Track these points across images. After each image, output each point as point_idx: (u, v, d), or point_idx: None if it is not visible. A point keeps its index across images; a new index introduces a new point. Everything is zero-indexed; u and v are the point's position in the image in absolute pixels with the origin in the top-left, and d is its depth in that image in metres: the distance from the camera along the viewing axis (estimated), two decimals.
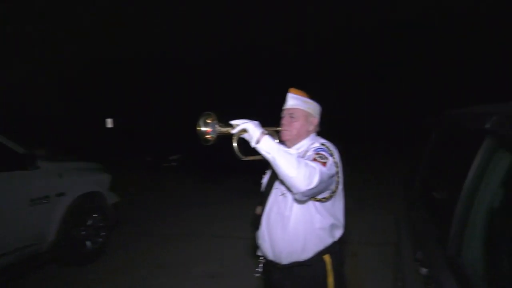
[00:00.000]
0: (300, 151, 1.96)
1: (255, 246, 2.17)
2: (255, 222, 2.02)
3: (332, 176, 1.74)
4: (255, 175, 2.44)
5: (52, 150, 5.65)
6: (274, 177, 2.01)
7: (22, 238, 3.91)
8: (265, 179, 2.11)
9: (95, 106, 21.33)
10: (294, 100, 2.00)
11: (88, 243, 4.75)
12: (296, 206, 1.87)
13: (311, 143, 1.97)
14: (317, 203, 1.85)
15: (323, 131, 2.10)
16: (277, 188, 1.98)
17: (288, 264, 1.92)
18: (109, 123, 20.98)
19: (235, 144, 1.72)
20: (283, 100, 2.04)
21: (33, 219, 4.00)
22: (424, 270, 1.74)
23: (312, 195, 1.70)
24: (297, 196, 1.66)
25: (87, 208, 4.75)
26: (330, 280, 1.92)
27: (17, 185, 3.88)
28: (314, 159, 1.71)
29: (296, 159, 1.59)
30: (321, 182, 1.61)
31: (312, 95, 2.05)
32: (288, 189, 1.78)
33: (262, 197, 2.03)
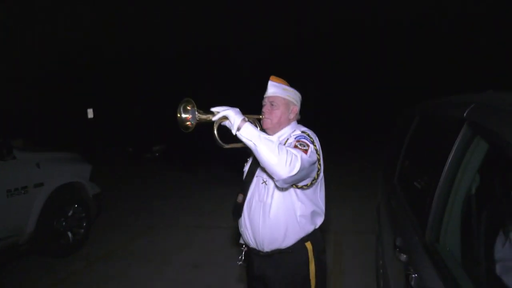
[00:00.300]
0: (281, 139, 1.95)
1: (237, 235, 2.17)
2: (237, 210, 2.01)
3: (313, 164, 1.74)
4: (236, 164, 2.43)
5: (29, 140, 5.52)
6: (256, 165, 2.00)
7: None
8: (246, 167, 2.10)
9: (75, 96, 20.89)
10: (275, 88, 1.98)
11: (69, 234, 4.67)
12: (277, 194, 1.86)
13: (292, 131, 1.96)
14: (298, 191, 1.86)
15: (306, 121, 2.10)
16: (259, 176, 1.97)
17: (270, 252, 1.93)
18: (90, 113, 20.57)
19: (215, 132, 1.70)
20: (263, 88, 2.03)
21: (10, 210, 3.91)
22: (403, 257, 1.76)
23: (293, 182, 1.70)
24: (278, 183, 1.65)
25: (68, 199, 4.67)
26: (312, 267, 1.94)
27: None
28: (295, 146, 1.71)
29: (278, 146, 1.58)
30: (302, 169, 1.60)
31: (293, 84, 2.04)
32: (270, 176, 1.77)
33: (243, 185, 2.02)
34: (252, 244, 1.98)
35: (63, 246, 4.58)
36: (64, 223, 4.61)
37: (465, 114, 1.57)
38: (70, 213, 4.70)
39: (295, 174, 1.58)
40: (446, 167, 1.60)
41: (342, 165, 9.86)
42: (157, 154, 12.64)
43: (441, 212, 1.61)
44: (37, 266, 4.39)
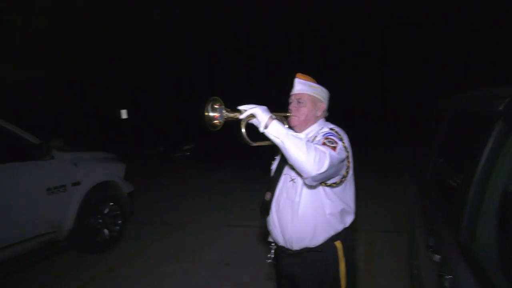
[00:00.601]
0: (309, 136, 1.93)
1: (266, 233, 2.17)
2: (265, 208, 2.01)
3: (342, 161, 1.72)
4: (263, 162, 2.43)
5: (67, 141, 5.74)
6: (283, 162, 1.99)
7: (40, 226, 4.00)
8: (274, 165, 2.10)
9: (110, 98, 21.55)
10: (301, 85, 1.97)
11: (105, 231, 4.83)
12: (306, 192, 1.85)
13: (320, 128, 1.94)
14: (327, 189, 1.83)
15: (332, 118, 2.07)
16: (286, 174, 1.96)
17: (299, 250, 1.92)
18: (124, 114, 21.17)
19: (243, 130, 1.71)
20: (290, 86, 2.02)
21: (50, 207, 4.08)
22: (437, 257, 1.71)
23: (322, 180, 1.68)
24: (307, 181, 1.64)
25: (103, 197, 4.82)
26: (342, 266, 1.91)
27: (34, 175, 3.96)
28: (324, 144, 1.69)
29: (306, 143, 1.57)
30: (331, 166, 1.58)
31: (319, 81, 2.01)
32: (298, 174, 1.76)
33: (271, 183, 2.02)
34: (281, 242, 1.97)
35: (99, 242, 4.74)
36: (100, 221, 4.77)
37: (500, 108, 1.50)
38: (105, 211, 4.86)
39: (324, 172, 1.56)
40: (481, 164, 1.54)
41: (372, 162, 9.67)
42: (187, 153, 12.83)
43: (476, 210, 1.55)
44: (75, 261, 4.57)
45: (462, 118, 2.24)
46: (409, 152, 4.81)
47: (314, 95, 1.97)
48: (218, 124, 1.65)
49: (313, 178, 1.58)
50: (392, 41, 24.57)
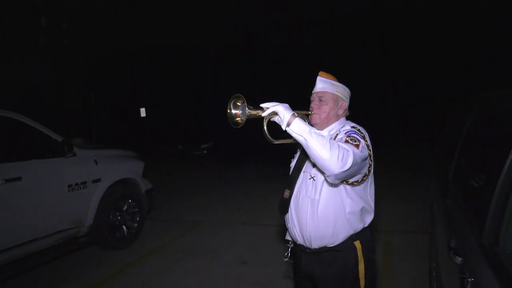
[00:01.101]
0: (330, 134, 1.93)
1: (284, 231, 2.17)
2: (283, 206, 2.02)
3: (364, 159, 1.71)
4: (283, 159, 2.43)
5: (88, 138, 5.85)
6: (303, 160, 1.99)
7: (62, 222, 4.10)
8: (293, 163, 2.10)
9: (129, 96, 21.85)
10: (323, 84, 1.96)
11: (124, 227, 4.91)
12: (326, 190, 1.84)
13: (341, 126, 1.94)
14: (348, 187, 1.83)
15: (352, 117, 2.06)
16: (306, 172, 1.96)
17: (317, 249, 1.91)
18: (143, 112, 21.43)
19: (265, 127, 1.71)
20: (312, 84, 2.02)
21: (71, 204, 4.17)
22: (458, 259, 1.68)
23: (345, 178, 1.67)
24: (330, 179, 1.64)
25: (122, 194, 4.90)
26: (361, 266, 1.90)
27: (56, 171, 4.05)
28: (346, 141, 1.68)
29: (329, 141, 1.56)
30: (354, 164, 1.57)
31: (341, 79, 2.01)
32: (320, 171, 1.76)
33: (289, 181, 2.02)
34: (300, 240, 1.97)
35: (118, 239, 4.82)
36: (119, 217, 4.85)
37: None
38: (124, 208, 4.93)
39: (347, 170, 1.55)
40: (506, 164, 1.51)
41: (393, 161, 9.56)
42: (205, 151, 12.90)
43: (500, 212, 1.52)
44: (95, 257, 4.66)
45: (487, 117, 2.20)
46: (429, 152, 4.74)
47: (336, 93, 1.96)
48: (240, 121, 1.66)
49: (336, 176, 1.57)
50: (410, 38, 24.26)
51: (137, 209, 5.10)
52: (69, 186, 4.13)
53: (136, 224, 5.08)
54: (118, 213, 4.84)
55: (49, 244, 3.99)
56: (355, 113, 2.09)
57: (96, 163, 4.54)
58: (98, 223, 4.48)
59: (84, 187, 4.31)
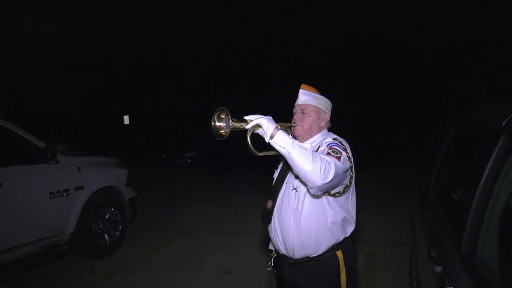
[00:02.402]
0: (312, 146, 1.95)
1: (267, 241, 2.18)
2: (266, 216, 2.03)
3: (346, 171, 1.74)
4: (266, 170, 2.45)
5: (70, 145, 5.78)
6: (285, 171, 2.02)
7: (42, 230, 4.02)
8: (276, 174, 2.12)
9: (113, 103, 21.62)
10: (306, 96, 2.00)
11: (106, 236, 4.84)
12: (308, 201, 1.87)
13: (323, 138, 1.97)
14: (330, 198, 1.86)
15: (335, 128, 2.10)
16: (288, 183, 1.98)
17: (300, 259, 1.93)
18: (126, 119, 21.22)
19: (248, 140, 1.73)
20: (294, 97, 2.05)
21: (53, 211, 4.10)
22: (438, 268, 1.72)
23: (326, 190, 1.70)
24: (312, 191, 1.66)
25: (105, 202, 4.84)
26: (343, 276, 1.92)
27: (38, 178, 3.98)
28: (328, 154, 1.71)
29: (312, 153, 1.59)
30: (336, 176, 1.60)
31: (323, 92, 2.05)
32: (302, 183, 1.79)
33: (272, 192, 2.04)
34: (283, 250, 1.99)
35: (100, 247, 4.74)
36: (101, 226, 4.78)
37: (504, 123, 1.53)
38: (107, 216, 4.87)
39: (329, 181, 1.58)
40: (483, 177, 1.56)
41: (374, 173, 9.67)
42: (189, 160, 12.85)
43: (478, 223, 1.57)
44: (76, 266, 4.57)
45: (466, 132, 2.27)
46: (413, 163, 4.82)
47: (318, 106, 2.00)
48: (224, 134, 1.68)
49: (319, 188, 1.60)
50: (394, 49, 24.76)
51: (119, 218, 5.04)
52: (51, 193, 4.06)
53: (118, 233, 5.01)
54: (100, 221, 4.77)
55: (29, 252, 3.90)
56: (342, 125, 2.13)
57: (79, 170, 4.48)
58: (79, 231, 4.40)
59: (67, 194, 4.25)
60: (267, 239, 2.16)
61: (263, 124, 1.66)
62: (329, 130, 2.09)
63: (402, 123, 23.02)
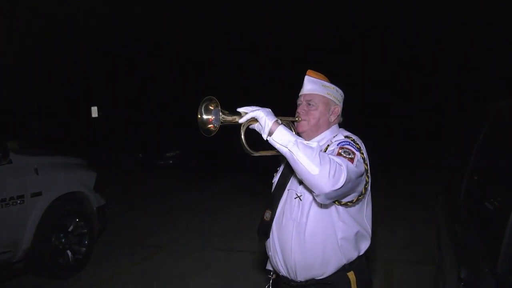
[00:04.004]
0: (320, 145, 1.93)
1: (264, 260, 2.17)
2: (263, 229, 2.02)
3: (360, 175, 1.72)
4: (264, 174, 2.44)
5: (26, 142, 5.74)
6: (287, 176, 2.00)
7: None
8: (275, 179, 2.11)
9: (78, 92, 21.52)
10: (312, 85, 1.98)
11: (68, 252, 4.80)
12: (314, 211, 1.86)
13: (333, 135, 1.96)
14: (341, 208, 1.84)
15: (346, 124, 2.08)
16: (291, 190, 1.97)
17: (304, 282, 1.92)
18: (94, 111, 21.12)
19: (243, 137, 1.71)
20: (298, 86, 2.03)
21: (4, 223, 4.06)
22: None
23: (337, 197, 1.68)
24: (319, 199, 1.64)
25: (68, 211, 4.81)
26: None
27: None
28: (339, 154, 1.69)
29: (319, 154, 1.57)
30: (348, 181, 1.58)
31: (333, 80, 2.03)
32: (307, 189, 1.77)
33: (271, 200, 2.03)
34: (283, 271, 1.98)
35: (62, 266, 4.71)
36: (63, 240, 4.74)
37: None
38: (70, 228, 4.84)
39: (340, 188, 1.56)
40: None
41: (393, 178, 9.70)
42: (170, 162, 12.84)
43: None
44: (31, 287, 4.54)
45: (503, 129, 2.26)
46: (438, 166, 4.83)
47: (327, 96, 1.99)
48: (213, 129, 1.66)
49: (327, 195, 1.58)
50: (412, 38, 25.02)
51: (86, 230, 5.01)
52: (2, 200, 4.02)
53: (84, 249, 4.99)
54: (62, 235, 4.73)
55: None
56: (350, 120, 2.11)
57: (37, 173, 4.44)
58: (37, 246, 4.37)
59: (21, 201, 4.21)
60: (264, 257, 2.15)
61: (260, 118, 1.65)
62: (340, 125, 2.08)
63: (413, 122, 23.31)
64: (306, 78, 2.00)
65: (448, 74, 24.46)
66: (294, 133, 1.70)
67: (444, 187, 3.65)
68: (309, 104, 1.97)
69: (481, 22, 22.09)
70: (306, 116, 1.97)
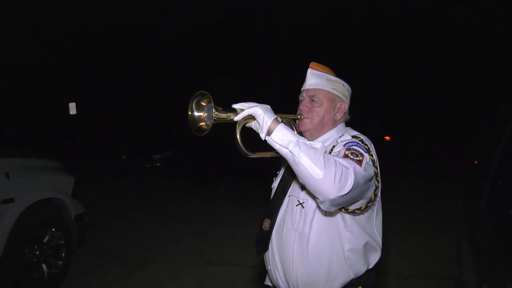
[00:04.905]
0: (325, 145, 1.93)
1: (262, 274, 2.17)
2: (262, 240, 2.02)
3: (369, 180, 1.72)
4: (262, 178, 2.44)
5: None
6: (288, 180, 2.00)
7: None
8: (275, 184, 2.11)
9: (55, 87, 21.47)
10: (316, 78, 1.98)
11: (43, 266, 4.79)
12: (318, 220, 1.86)
13: (339, 135, 1.96)
14: (348, 216, 1.84)
15: (353, 122, 2.09)
16: (292, 196, 1.97)
17: None
18: (72, 108, 21.08)
19: (238, 136, 1.71)
20: (300, 80, 2.04)
21: None
22: None
23: (343, 204, 1.69)
24: (324, 206, 1.64)
25: (43, 220, 4.80)
26: None
27: None
28: (346, 156, 1.70)
29: (324, 155, 1.57)
30: (356, 186, 1.58)
31: (340, 73, 2.03)
32: (310, 195, 1.78)
33: (271, 208, 2.03)
34: (283, 286, 1.98)
35: (36, 281, 4.69)
36: (37, 252, 4.73)
37: None
38: (45, 239, 4.83)
39: (347, 194, 1.56)
40: None
41: (407, 182, 9.71)
42: (157, 164, 12.84)
43: None
44: None
45: None
46: (456, 168, 4.84)
47: (333, 91, 1.99)
48: (205, 127, 1.66)
49: (332, 201, 1.58)
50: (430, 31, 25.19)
51: (63, 241, 5.00)
52: None
53: (61, 262, 4.98)
54: (36, 246, 4.72)
55: None
56: (357, 118, 2.11)
57: (8, 177, 4.43)
58: (8, 259, 4.35)
59: None
60: (262, 271, 2.15)
61: (258, 115, 1.65)
62: (347, 124, 2.08)
63: (437, 117, 23.39)
64: (309, 71, 2.00)
65: (473, 68, 24.58)
66: (295, 132, 1.70)
67: (464, 192, 3.66)
68: (313, 100, 1.97)
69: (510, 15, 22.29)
70: (309, 113, 1.97)
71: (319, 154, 1.56)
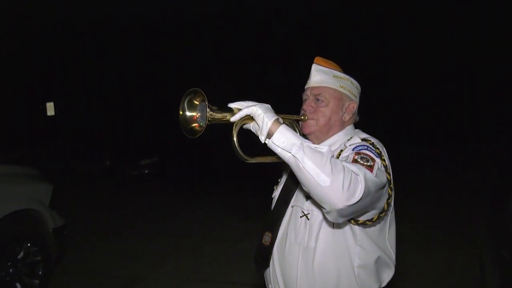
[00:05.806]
0: (332, 149, 1.92)
1: None
2: (262, 256, 2.02)
3: (381, 187, 1.72)
4: (262, 186, 2.44)
5: None
6: (291, 188, 2.01)
7: None
8: (276, 192, 2.12)
9: (30, 85, 21.48)
10: (322, 75, 1.99)
11: (18, 285, 4.79)
12: (325, 233, 1.86)
13: (347, 138, 1.97)
14: (358, 229, 1.84)
15: (363, 124, 2.09)
16: (296, 206, 1.97)
17: None
18: (50, 109, 21.08)
19: (235, 139, 1.71)
20: (304, 77, 2.04)
21: None
22: None
23: (352, 215, 1.68)
24: (331, 217, 1.63)
25: (18, 234, 4.80)
26: None
27: None
28: (355, 161, 1.70)
29: (331, 160, 1.56)
30: (366, 195, 1.57)
31: (348, 70, 2.03)
32: (316, 205, 1.78)
33: (272, 219, 2.04)
34: None
35: None
36: (11, 270, 4.73)
37: None
38: (20, 255, 4.83)
39: (356, 203, 1.55)
40: None
41: (425, 190, 9.71)
42: (146, 171, 12.84)
43: None
44: None
45: None
46: (477, 175, 4.85)
47: (340, 89, 1.99)
48: (198, 128, 1.66)
49: (340, 212, 1.57)
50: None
51: (40, 257, 5.00)
52: None
53: (37, 281, 4.98)
54: (10, 263, 4.72)
55: None
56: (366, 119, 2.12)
57: None
58: None
59: None
60: None
61: (257, 116, 1.64)
62: (356, 126, 2.08)
63: (451, 115, 23.56)
64: (314, 67, 2.01)
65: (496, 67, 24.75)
66: (299, 134, 1.71)
67: (488, 204, 3.67)
68: (318, 100, 1.98)
69: None
70: (314, 114, 1.98)
71: (326, 159, 1.55)
